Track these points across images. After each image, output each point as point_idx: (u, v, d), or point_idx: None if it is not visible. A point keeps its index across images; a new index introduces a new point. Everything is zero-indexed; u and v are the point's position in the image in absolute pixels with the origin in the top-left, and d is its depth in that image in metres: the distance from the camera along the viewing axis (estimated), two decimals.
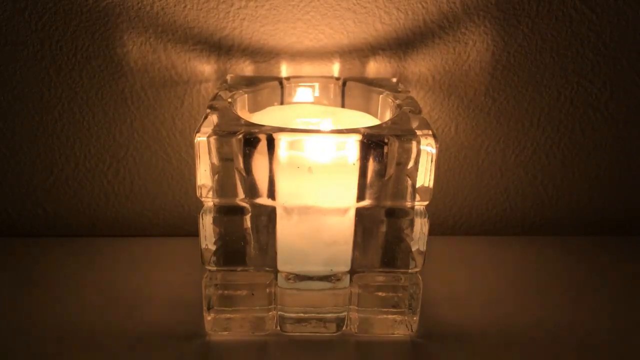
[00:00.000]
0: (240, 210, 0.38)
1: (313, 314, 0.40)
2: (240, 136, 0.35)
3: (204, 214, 0.38)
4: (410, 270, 0.39)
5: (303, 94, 0.47)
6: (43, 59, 0.48)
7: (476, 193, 0.55)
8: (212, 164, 0.36)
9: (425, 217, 0.38)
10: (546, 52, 0.50)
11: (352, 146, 0.36)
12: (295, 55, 0.49)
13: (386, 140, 0.36)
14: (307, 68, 0.50)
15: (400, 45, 0.49)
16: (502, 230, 0.56)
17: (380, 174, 0.36)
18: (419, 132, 0.36)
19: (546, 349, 0.40)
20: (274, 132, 0.36)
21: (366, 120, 0.44)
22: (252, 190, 0.37)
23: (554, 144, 0.53)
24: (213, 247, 0.38)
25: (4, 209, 0.53)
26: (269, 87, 0.46)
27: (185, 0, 0.47)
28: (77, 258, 0.50)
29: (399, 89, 0.45)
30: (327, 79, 0.48)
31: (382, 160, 0.36)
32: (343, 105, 0.47)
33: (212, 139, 0.35)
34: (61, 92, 0.49)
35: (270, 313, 0.40)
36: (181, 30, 0.48)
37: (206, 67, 0.49)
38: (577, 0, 0.48)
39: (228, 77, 0.47)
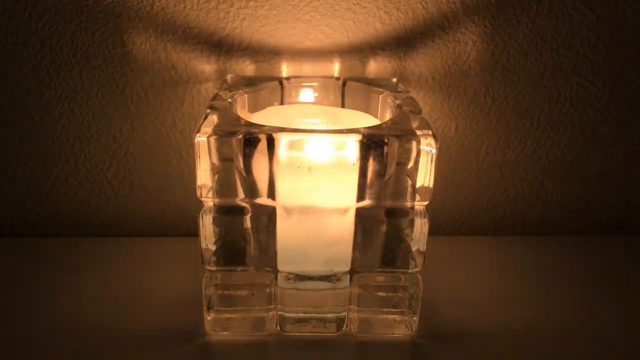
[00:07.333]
0: (240, 210, 0.38)
1: (313, 314, 0.40)
2: (240, 136, 0.35)
3: (204, 214, 0.38)
4: (410, 270, 0.39)
5: (303, 94, 0.47)
6: (43, 59, 0.48)
7: (476, 193, 0.55)
8: (212, 164, 0.36)
9: (425, 217, 0.38)
10: (546, 52, 0.50)
11: (352, 146, 0.36)
12: (295, 55, 0.49)
13: (386, 140, 0.36)
14: (307, 68, 0.50)
15: (400, 45, 0.49)
16: (502, 230, 0.56)
17: (380, 174, 0.36)
18: (419, 132, 0.36)
19: (546, 349, 0.40)
20: (274, 132, 0.35)
21: (366, 120, 0.44)
22: (252, 190, 0.37)
23: (554, 144, 0.53)
24: (213, 247, 0.38)
25: (4, 209, 0.53)
26: (269, 87, 0.46)
27: (185, 0, 0.47)
28: (77, 258, 0.50)
29: (399, 89, 0.45)
30: (327, 79, 0.48)
31: (382, 160, 0.36)
32: (343, 105, 0.47)
33: (212, 139, 0.35)
34: (61, 92, 0.49)
35: (270, 313, 0.40)
36: (181, 30, 0.48)
37: (206, 67, 0.49)
38: (577, 0, 0.48)
39: (228, 77, 0.47)
